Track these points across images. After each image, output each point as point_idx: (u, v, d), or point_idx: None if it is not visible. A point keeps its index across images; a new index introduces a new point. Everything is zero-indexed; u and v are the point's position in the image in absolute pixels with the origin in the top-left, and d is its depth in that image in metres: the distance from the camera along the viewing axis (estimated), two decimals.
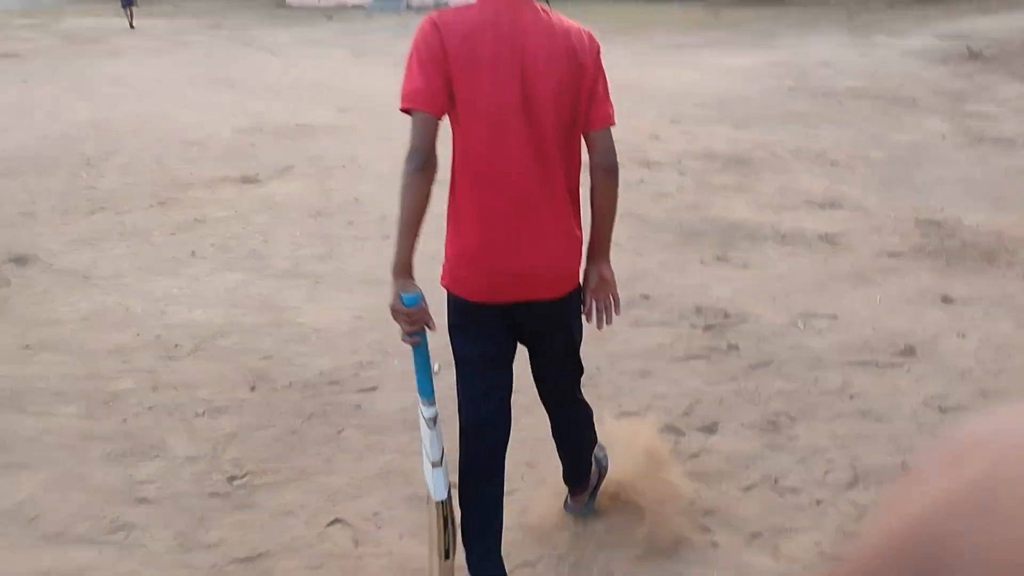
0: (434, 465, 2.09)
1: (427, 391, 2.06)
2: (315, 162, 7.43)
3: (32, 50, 16.15)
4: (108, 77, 12.73)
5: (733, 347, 3.75)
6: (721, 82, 11.64)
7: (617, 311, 2.21)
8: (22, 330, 3.98)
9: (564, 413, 2.40)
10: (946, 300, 4.21)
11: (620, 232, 5.49)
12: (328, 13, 24.96)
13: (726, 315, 4.10)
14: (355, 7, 26.55)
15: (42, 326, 4.03)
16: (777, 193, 6.20)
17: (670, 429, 3.11)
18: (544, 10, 2.01)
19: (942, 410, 3.21)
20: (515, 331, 2.17)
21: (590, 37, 2.05)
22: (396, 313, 1.98)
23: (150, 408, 3.33)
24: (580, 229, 2.14)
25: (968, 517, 0.36)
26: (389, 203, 6.39)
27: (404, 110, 1.94)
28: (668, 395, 3.36)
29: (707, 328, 3.96)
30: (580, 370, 2.35)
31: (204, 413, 3.29)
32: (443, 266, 2.11)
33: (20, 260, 4.94)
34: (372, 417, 3.24)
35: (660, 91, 10.91)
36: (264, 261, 4.99)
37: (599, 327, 2.21)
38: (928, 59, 13.36)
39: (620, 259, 4.96)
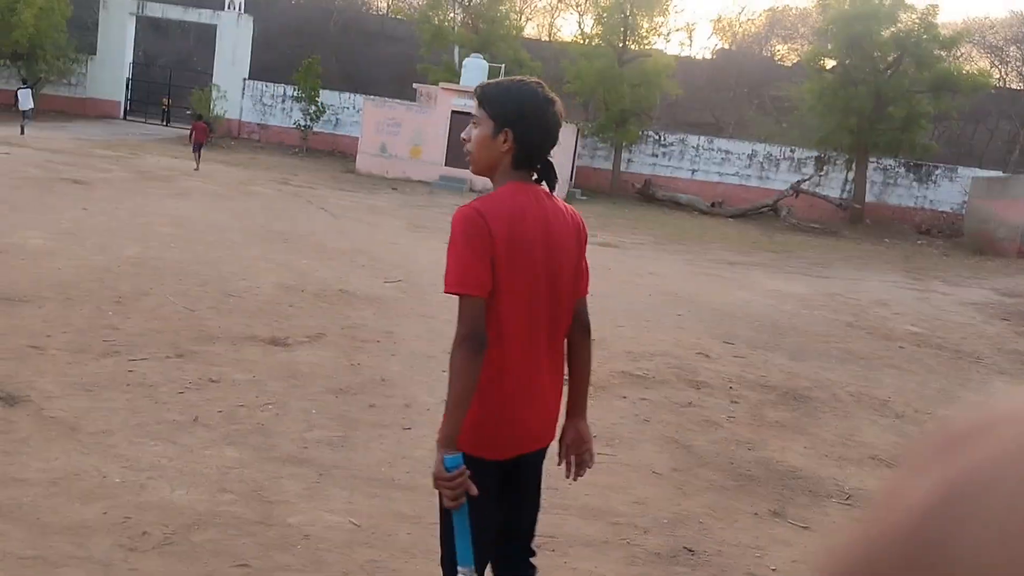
0: None
1: (468, 559, 2.14)
2: (349, 332, 7.09)
3: (102, 180, 16.55)
4: (167, 216, 12.82)
5: None
6: (775, 306, 11.34)
7: (590, 465, 2.48)
8: None
9: (527, 566, 2.46)
10: None
11: (663, 459, 4.97)
12: (393, 184, 25.67)
13: None
14: (420, 182, 27.33)
15: (4, 485, 3.55)
16: (839, 441, 5.65)
17: None
18: (549, 195, 2.29)
19: None
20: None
21: (581, 218, 2.37)
22: (440, 479, 2.10)
23: None
24: None
25: (966, 508, 0.34)
26: (416, 388, 5.99)
27: (455, 294, 2.10)
28: None
29: None
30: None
31: None
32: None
33: (9, 399, 4.53)
34: None
35: (711, 307, 10.62)
36: (270, 439, 4.51)
37: (573, 479, 2.48)
38: (988, 313, 13.00)
39: (661, 492, 4.44)
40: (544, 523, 3.90)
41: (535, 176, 2.30)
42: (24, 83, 28.22)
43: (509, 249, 2.13)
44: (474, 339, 2.07)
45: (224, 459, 4.16)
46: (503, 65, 30.05)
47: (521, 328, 2.18)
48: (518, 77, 2.31)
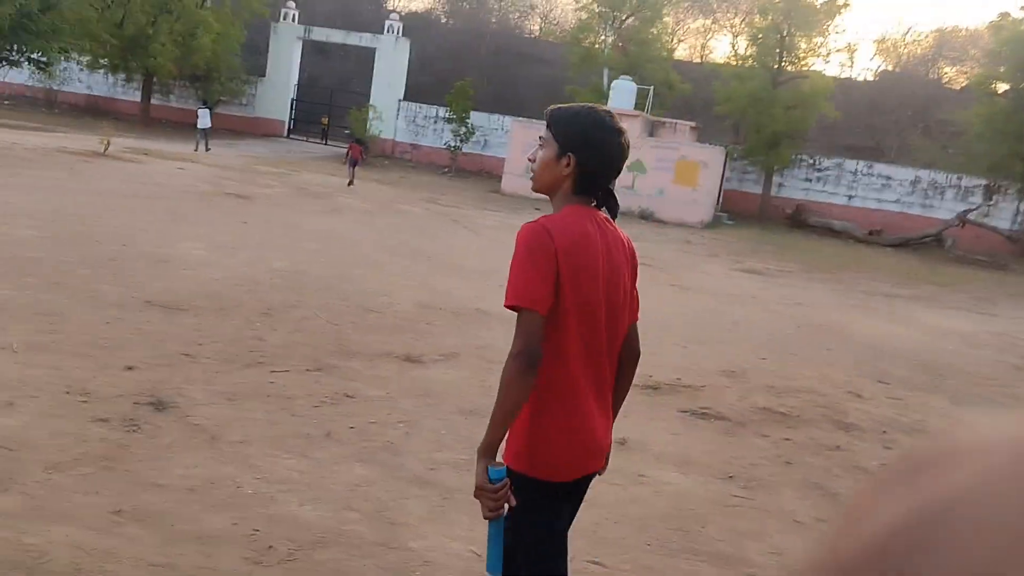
0: None
1: (497, 568, 2.12)
2: (483, 352, 7.11)
3: (263, 196, 17.45)
4: (318, 232, 13.35)
5: None
6: (935, 344, 10.61)
7: (600, 473, 2.43)
8: (124, 490, 3.67)
9: None
10: None
11: (805, 507, 4.67)
12: (536, 205, 25.85)
13: None
14: None
15: (146, 490, 3.70)
16: None
17: None
18: (608, 221, 2.31)
19: None
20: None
21: (634, 247, 2.41)
22: (483, 491, 2.10)
23: None
24: None
25: (925, 537, 0.35)
26: None
27: (515, 307, 2.08)
28: None
29: None
30: None
31: None
32: (511, 452, 2.21)
33: (159, 405, 4.76)
34: None
35: (864, 342, 10.04)
36: (398, 458, 4.54)
37: None
38: None
39: (802, 544, 4.17)
40: (673, 568, 3.73)
41: (595, 202, 2.32)
42: (204, 103, 30.22)
43: (572, 267, 2.14)
44: (528, 355, 2.05)
45: (352, 476, 4.20)
46: (652, 87, 29.79)
47: (582, 348, 2.20)
48: (589, 104, 2.33)
